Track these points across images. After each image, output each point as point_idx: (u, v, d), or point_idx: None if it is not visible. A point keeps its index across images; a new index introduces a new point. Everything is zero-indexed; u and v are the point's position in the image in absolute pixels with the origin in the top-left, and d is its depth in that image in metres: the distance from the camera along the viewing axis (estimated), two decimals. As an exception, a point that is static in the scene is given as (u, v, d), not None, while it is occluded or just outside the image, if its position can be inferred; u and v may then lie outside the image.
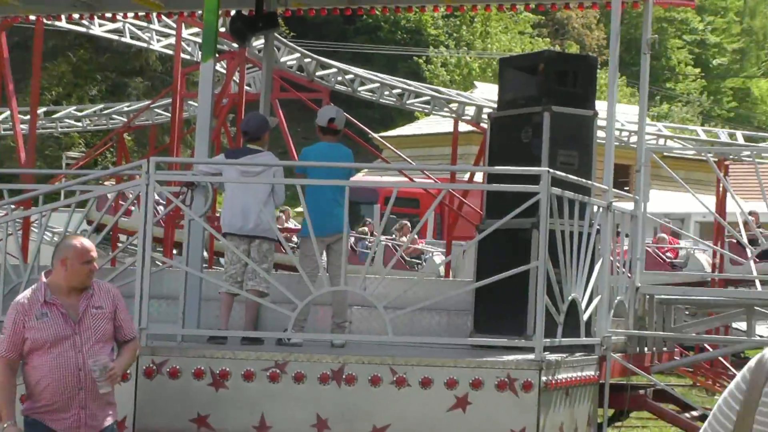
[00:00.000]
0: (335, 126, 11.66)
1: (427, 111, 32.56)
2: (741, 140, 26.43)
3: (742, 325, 16.10)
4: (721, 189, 21.34)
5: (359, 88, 30.62)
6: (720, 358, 16.87)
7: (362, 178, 35.34)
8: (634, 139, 24.24)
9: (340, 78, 30.15)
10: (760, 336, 16.07)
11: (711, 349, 16.61)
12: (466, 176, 23.54)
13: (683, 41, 73.16)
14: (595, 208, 10.79)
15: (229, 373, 9.25)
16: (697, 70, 73.52)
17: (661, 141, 26.48)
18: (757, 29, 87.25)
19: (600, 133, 12.87)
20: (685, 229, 29.45)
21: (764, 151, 24.37)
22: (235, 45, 21.88)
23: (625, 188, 25.32)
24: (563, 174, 10.21)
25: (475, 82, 45.44)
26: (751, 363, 3.35)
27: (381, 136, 35.84)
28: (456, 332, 11.71)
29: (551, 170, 9.78)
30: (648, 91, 12.96)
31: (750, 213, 23.14)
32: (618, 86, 47.63)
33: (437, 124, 39.78)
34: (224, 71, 26.18)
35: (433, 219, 30.38)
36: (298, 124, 34.27)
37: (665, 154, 34.27)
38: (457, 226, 22.20)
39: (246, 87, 25.18)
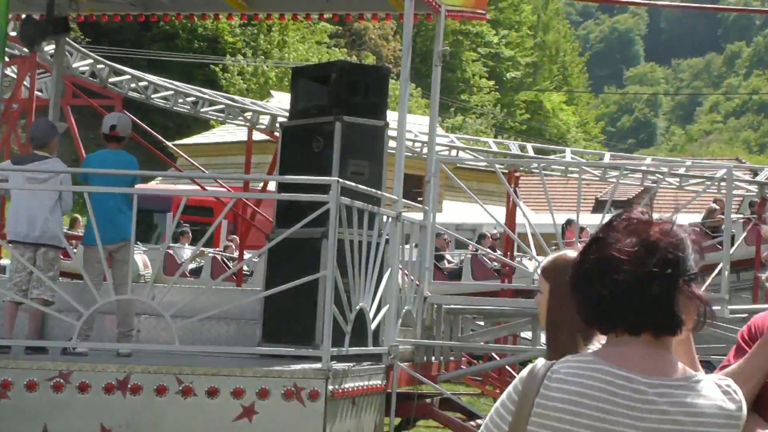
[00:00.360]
0: (117, 133, 11.55)
1: (221, 119, 32.42)
2: (531, 152, 26.84)
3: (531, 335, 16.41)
4: (511, 200, 21.66)
5: (153, 96, 30.26)
6: (507, 366, 17.12)
7: (156, 186, 35.00)
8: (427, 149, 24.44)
9: (133, 85, 29.75)
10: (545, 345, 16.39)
11: (498, 358, 16.85)
12: (261, 185, 23.50)
13: (478, 54, 74.08)
14: (385, 218, 10.87)
15: (11, 383, 9.06)
16: (492, 83, 74.51)
17: (454, 152, 26.77)
18: (550, 44, 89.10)
19: (392, 143, 12.97)
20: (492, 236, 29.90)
21: (553, 163, 24.80)
22: (26, 50, 21.44)
23: (419, 198, 25.55)
24: (353, 184, 10.26)
25: (272, 92, 45.36)
26: (523, 374, 3.40)
27: (175, 144, 35.52)
28: (245, 341, 11.67)
29: (341, 180, 9.83)
30: (441, 102, 13.13)
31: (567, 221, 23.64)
32: (413, 97, 47.94)
33: (232, 133, 39.63)
34: (15, 76, 25.67)
35: (227, 228, 30.28)
36: (92, 131, 33.77)
37: (458, 165, 34.74)
38: (251, 235, 22.15)
39: (37, 92, 24.69)
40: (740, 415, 3.29)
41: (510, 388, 3.41)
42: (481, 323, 17.65)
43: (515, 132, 71.60)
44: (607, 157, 27.61)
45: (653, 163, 27.02)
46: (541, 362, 3.41)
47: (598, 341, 5.94)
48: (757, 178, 25.36)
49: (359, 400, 9.92)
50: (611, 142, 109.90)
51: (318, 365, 9.26)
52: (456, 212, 34.86)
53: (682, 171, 24.67)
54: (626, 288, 3.25)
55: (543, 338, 15.92)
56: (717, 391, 3.29)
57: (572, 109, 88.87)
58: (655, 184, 24.15)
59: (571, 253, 6.48)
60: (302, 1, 13.31)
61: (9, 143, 22.13)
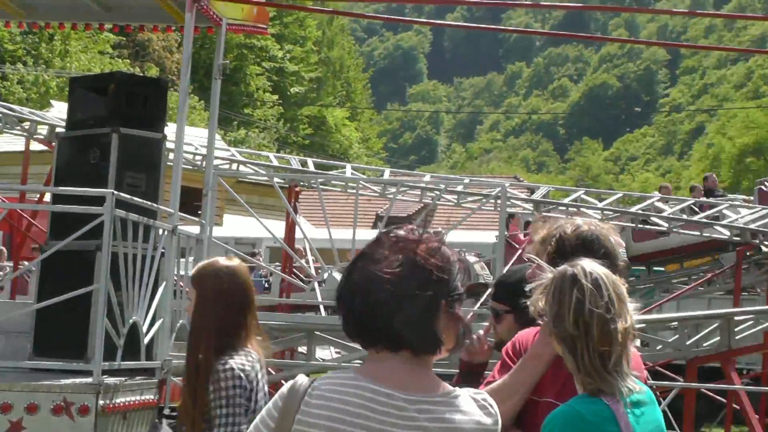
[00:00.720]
0: None
1: (-3, 128, 31.79)
2: (312, 167, 26.93)
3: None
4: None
5: (-75, 102, 29.62)
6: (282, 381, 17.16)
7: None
8: (208, 163, 24.31)
9: None
10: (322, 359, 16.49)
11: (274, 373, 16.87)
12: (38, 196, 23.09)
13: (263, 68, 74.04)
14: (161, 231, 10.80)
15: None
16: (275, 97, 74.53)
17: (234, 166, 26.70)
18: (334, 60, 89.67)
19: (171, 156, 12.89)
20: (258, 253, 29.85)
21: (332, 178, 24.89)
22: None
23: (200, 212, 25.42)
24: (128, 196, 10.17)
25: (53, 101, 44.61)
26: (284, 389, 3.42)
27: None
28: (16, 355, 11.42)
29: (116, 192, 9.74)
30: (224, 116, 13.16)
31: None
32: (195, 110, 47.42)
33: (10, 142, 38.85)
34: None
35: (2, 239, 29.69)
36: None
37: (239, 179, 34.66)
38: (26, 247, 21.79)
39: None
40: (496, 429, 3.37)
41: (270, 404, 3.44)
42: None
43: (298, 147, 71.77)
44: (386, 174, 27.85)
45: (432, 180, 27.31)
46: (302, 378, 3.44)
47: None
48: (533, 197, 25.88)
49: (130, 415, 9.81)
50: (393, 158, 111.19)
51: (89, 380, 9.15)
52: (236, 226, 34.80)
53: (459, 188, 25.01)
54: (386, 306, 3.30)
55: (318, 353, 16.03)
56: (474, 405, 3.37)
57: (355, 125, 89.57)
58: (432, 201, 24.48)
59: (223, 261, 6.58)
60: (82, 11, 13.12)
61: None
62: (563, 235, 4.97)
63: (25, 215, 20.63)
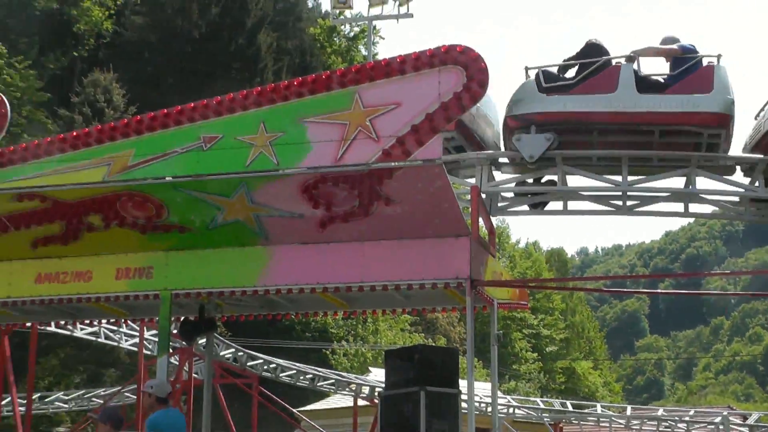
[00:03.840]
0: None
1: (333, 390, 32.19)
2: (570, 408, 26.32)
3: None
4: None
5: (281, 374, 30.22)
6: None
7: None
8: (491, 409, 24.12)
9: (265, 366, 29.74)
10: None
11: None
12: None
13: (523, 334, 73.94)
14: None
15: None
16: (535, 355, 74.05)
17: (511, 410, 26.33)
18: (576, 323, 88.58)
19: (464, 405, 12.64)
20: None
21: (588, 415, 24.15)
22: (185, 343, 21.53)
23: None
24: (436, 440, 9.95)
25: (370, 368, 45.17)
26: None
27: (299, 411, 35.20)
28: None
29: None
30: (498, 372, 12.81)
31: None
32: (477, 369, 47.24)
33: (342, 400, 39.24)
34: (177, 363, 25.73)
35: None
36: (235, 401, 33.58)
37: (514, 419, 34.02)
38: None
39: (194, 375, 24.73)
40: None
41: None
42: None
43: (556, 392, 70.46)
44: (628, 410, 26.96)
45: (665, 412, 26.23)
46: None
47: None
48: (748, 422, 24.53)
49: None
50: (629, 397, 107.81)
51: None
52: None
53: (687, 418, 23.95)
54: None
55: None
56: None
57: (598, 373, 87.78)
58: (669, 429, 23.43)
59: None
60: (388, 300, 13.22)
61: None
62: None
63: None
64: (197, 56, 53.40)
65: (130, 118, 11.19)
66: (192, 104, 10.72)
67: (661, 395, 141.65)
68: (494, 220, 14.47)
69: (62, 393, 35.44)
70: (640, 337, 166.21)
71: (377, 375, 36.06)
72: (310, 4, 69.61)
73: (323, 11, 69.20)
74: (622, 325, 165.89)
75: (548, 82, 15.16)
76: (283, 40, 59.23)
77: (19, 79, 49.73)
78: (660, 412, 27.71)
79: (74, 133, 11.23)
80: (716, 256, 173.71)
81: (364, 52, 67.10)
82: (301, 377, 30.69)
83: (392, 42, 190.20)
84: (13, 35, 52.24)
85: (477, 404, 23.46)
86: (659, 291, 52.04)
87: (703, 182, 15.79)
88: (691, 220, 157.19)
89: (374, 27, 64.23)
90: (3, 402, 31.21)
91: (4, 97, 11.86)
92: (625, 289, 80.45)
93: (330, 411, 40.24)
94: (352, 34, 68.43)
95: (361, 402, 27.80)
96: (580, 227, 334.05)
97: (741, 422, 24.92)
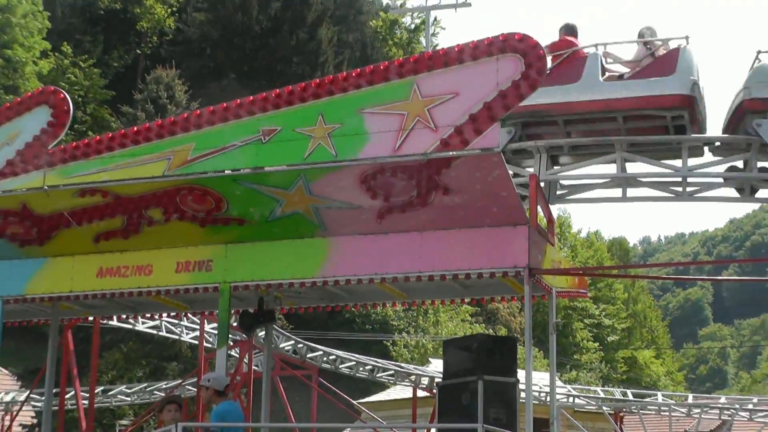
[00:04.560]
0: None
1: (393, 381, 32.31)
2: (631, 397, 26.20)
3: None
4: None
5: (340, 366, 30.38)
6: None
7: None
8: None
9: (325, 358, 29.92)
10: None
11: None
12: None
13: (584, 323, 73.53)
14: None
15: None
16: (596, 345, 73.63)
17: (571, 399, 26.24)
18: (638, 312, 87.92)
19: (523, 395, 12.66)
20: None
21: (648, 404, 24.03)
22: (244, 335, 21.72)
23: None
24: (495, 428, 9.99)
25: (430, 359, 45.23)
26: None
27: (360, 402, 35.35)
28: None
29: (485, 425, 9.59)
30: (558, 361, 12.80)
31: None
32: (537, 358, 46.80)
33: (402, 391, 39.34)
34: (237, 355, 25.96)
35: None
36: (297, 394, 33.82)
37: (576, 409, 33.90)
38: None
39: (254, 367, 24.93)
40: None
41: None
42: None
43: (618, 382, 70.03)
44: (690, 398, 26.76)
45: (727, 400, 26.02)
46: None
47: None
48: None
49: None
50: (692, 386, 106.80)
51: None
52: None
53: (750, 406, 23.74)
54: None
55: None
56: None
57: (660, 362, 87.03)
58: (730, 418, 23.24)
59: None
60: (447, 290, 13.26)
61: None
62: None
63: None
64: (258, 51, 53.82)
65: (190, 113, 11.34)
66: (251, 98, 10.85)
67: (724, 384, 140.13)
68: (556, 210, 14.49)
69: (125, 386, 35.94)
70: (703, 325, 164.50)
71: (437, 366, 36.12)
72: (370, -2, 69.71)
73: (384, 4, 69.31)
74: (685, 313, 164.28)
75: None
76: (344, 33, 59.49)
77: (83, 77, 50.46)
78: (722, 400, 27.52)
79: (135, 129, 11.42)
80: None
81: (424, 43, 67.05)
82: (361, 368, 30.83)
83: (454, 32, 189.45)
84: (78, 34, 53.00)
85: (536, 393, 23.43)
86: (722, 278, 51.35)
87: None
88: (756, 206, 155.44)
89: (434, 18, 64.58)
90: (67, 395, 31.79)
91: (66, 94, 12.06)
92: (687, 277, 79.75)
93: (390, 402, 40.38)
94: (413, 26, 68.43)
95: (420, 393, 27.87)
96: (643, 216, 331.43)
97: (805, 410, 24.73)
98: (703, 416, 21.27)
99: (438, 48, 13.30)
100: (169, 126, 11.10)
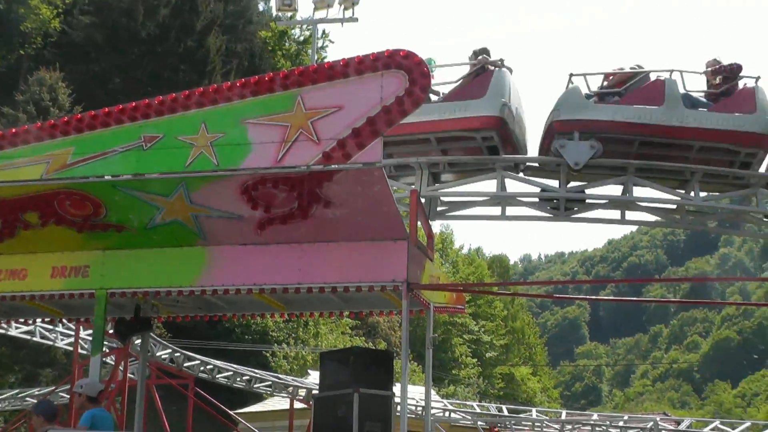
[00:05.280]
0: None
1: (270, 392, 32.22)
2: (506, 413, 26.58)
3: None
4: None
5: (218, 376, 30.19)
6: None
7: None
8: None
9: (202, 368, 29.70)
10: None
11: None
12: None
13: (463, 339, 74.36)
14: (393, 466, 10.59)
15: None
16: (475, 360, 74.50)
17: (447, 413, 26.50)
18: (517, 329, 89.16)
19: (398, 408, 12.76)
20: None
21: (522, 420, 24.42)
22: (120, 343, 21.42)
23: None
24: (368, 441, 10.04)
25: (310, 371, 45.23)
26: None
27: (236, 413, 35.12)
28: None
29: (358, 438, 9.63)
30: (436, 376, 12.96)
31: None
32: (415, 373, 46.91)
33: (279, 402, 39.20)
34: (112, 363, 25.58)
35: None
36: (173, 403, 33.41)
37: (452, 424, 34.24)
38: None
39: (130, 375, 24.62)
40: None
41: None
42: None
43: (495, 397, 70.93)
44: (563, 415, 27.29)
45: (599, 417, 26.59)
46: None
47: None
48: (680, 427, 24.96)
49: None
50: (567, 403, 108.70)
51: None
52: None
53: (621, 423, 24.31)
54: None
55: None
56: None
57: (537, 378, 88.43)
58: (601, 435, 23.79)
59: None
60: (326, 303, 13.30)
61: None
62: None
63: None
64: (144, 57, 53.12)
65: (71, 116, 11.17)
66: (133, 103, 10.74)
67: (599, 402, 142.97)
68: (439, 226, 14.66)
69: (-4, 392, 35.14)
70: (580, 343, 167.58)
71: (316, 378, 36.12)
72: (260, 8, 69.40)
73: (274, 15, 69.10)
74: (563, 331, 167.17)
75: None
76: (233, 43, 59.10)
77: (-38, 76, 49.08)
78: (594, 417, 28.10)
79: (13, 131, 11.20)
80: (657, 264, 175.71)
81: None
82: (238, 379, 30.67)
83: (343, 46, 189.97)
84: (-43, 32, 51.62)
85: (412, 407, 23.62)
86: (599, 297, 52.12)
87: (640, 191, 16.10)
88: (634, 228, 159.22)
89: (323, 31, 64.68)
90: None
91: None
92: (565, 296, 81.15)
93: (267, 413, 40.20)
94: (302, 38, 68.38)
95: (298, 404, 27.85)
96: (524, 234, 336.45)
97: (673, 428, 25.41)
98: (574, 432, 21.71)
99: (325, 61, 13.37)
100: (48, 129, 10.92)
